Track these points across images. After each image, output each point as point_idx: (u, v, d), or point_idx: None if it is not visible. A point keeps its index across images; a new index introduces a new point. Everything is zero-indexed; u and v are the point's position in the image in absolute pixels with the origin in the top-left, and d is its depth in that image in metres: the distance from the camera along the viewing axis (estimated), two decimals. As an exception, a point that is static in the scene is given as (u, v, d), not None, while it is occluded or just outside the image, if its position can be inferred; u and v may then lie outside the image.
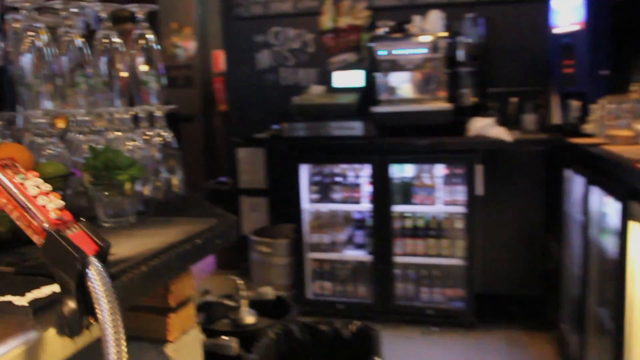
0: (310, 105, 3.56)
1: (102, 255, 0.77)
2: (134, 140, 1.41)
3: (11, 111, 1.35)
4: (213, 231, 1.17)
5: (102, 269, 0.74)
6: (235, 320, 1.96)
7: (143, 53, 1.49)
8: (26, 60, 1.25)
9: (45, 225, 0.74)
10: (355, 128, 3.42)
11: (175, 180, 1.53)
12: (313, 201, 3.67)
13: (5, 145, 1.11)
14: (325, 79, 3.87)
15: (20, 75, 1.27)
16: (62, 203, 0.76)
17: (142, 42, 1.50)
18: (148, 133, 1.54)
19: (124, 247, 1.00)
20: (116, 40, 1.45)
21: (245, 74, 4.33)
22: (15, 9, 1.31)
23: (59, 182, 1.16)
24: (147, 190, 1.40)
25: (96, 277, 0.73)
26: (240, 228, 4.37)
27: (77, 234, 0.75)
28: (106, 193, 1.18)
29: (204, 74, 7.82)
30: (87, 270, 0.73)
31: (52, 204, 0.75)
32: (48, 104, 1.30)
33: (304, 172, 3.63)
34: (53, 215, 0.74)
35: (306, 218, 3.66)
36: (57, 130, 1.57)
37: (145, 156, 1.41)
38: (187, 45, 8.02)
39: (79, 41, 1.40)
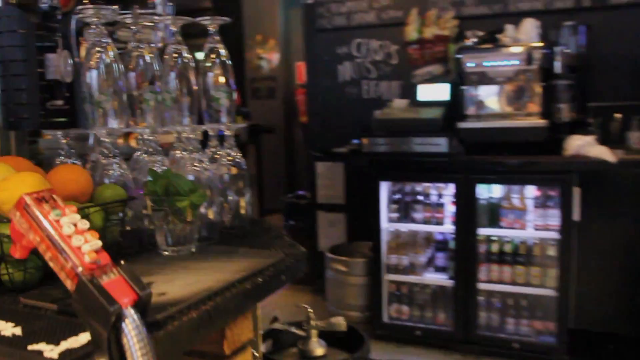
0: (392, 120, 3.41)
1: (142, 305, 0.66)
2: (201, 160, 1.33)
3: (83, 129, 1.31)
4: (278, 267, 1.05)
5: (139, 323, 0.64)
6: (304, 351, 1.84)
7: (215, 68, 1.42)
8: (93, 76, 1.19)
9: (79, 269, 0.65)
10: (440, 144, 3.23)
11: (243, 203, 1.43)
12: (392, 220, 3.50)
13: (62, 167, 1.05)
14: (408, 93, 3.70)
15: (87, 92, 1.22)
16: (99, 244, 0.67)
17: (213, 56, 1.42)
18: (218, 152, 1.46)
19: (178, 285, 0.90)
20: (186, 55, 1.38)
21: (327, 86, 4.24)
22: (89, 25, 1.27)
23: (117, 207, 1.09)
24: (212, 214, 1.31)
25: (131, 332, 0.63)
26: (317, 243, 4.27)
27: (113, 280, 0.65)
28: (166, 220, 1.09)
29: (287, 85, 7.86)
30: (122, 324, 0.64)
31: (88, 245, 0.66)
32: (113, 122, 1.24)
33: (384, 189, 3.48)
34: (88, 258, 0.65)
35: (385, 237, 3.50)
36: (126, 148, 1.53)
37: (212, 178, 1.33)
38: (271, 57, 8.11)
39: (148, 57, 1.34)
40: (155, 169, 1.27)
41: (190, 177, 1.27)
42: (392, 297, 3.52)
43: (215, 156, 1.44)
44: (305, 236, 4.41)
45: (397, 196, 3.52)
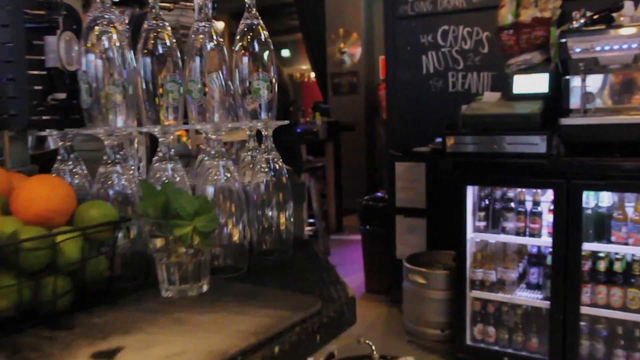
0: (481, 116, 2.99)
1: None
2: (228, 168, 1.05)
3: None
4: (311, 324, 0.75)
5: None
6: (365, 394, 1.53)
7: (251, 53, 1.13)
8: (89, 62, 0.94)
9: None
10: (537, 144, 2.78)
11: (284, 219, 1.14)
12: (479, 229, 3.09)
13: (32, 180, 0.80)
14: (500, 85, 3.27)
15: (87, 82, 0.97)
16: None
17: (250, 36, 1.13)
18: (252, 156, 1.18)
19: (159, 356, 0.63)
20: (217, 36, 1.10)
21: (408, 79, 3.87)
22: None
23: (105, 232, 0.83)
24: (238, 235, 1.03)
25: None
26: (394, 250, 3.93)
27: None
28: (167, 250, 0.82)
29: (369, 80, 7.53)
30: None
31: None
32: (119, 119, 0.99)
33: (471, 194, 3.07)
34: None
35: (470, 248, 3.09)
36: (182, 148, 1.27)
37: (238, 191, 1.04)
38: (353, 51, 7.80)
39: (167, 40, 1.07)
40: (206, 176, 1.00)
41: (210, 190, 0.99)
42: (477, 316, 3.11)
43: (249, 162, 1.16)
44: (382, 242, 4.09)
45: (486, 202, 3.10)
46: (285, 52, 10.53)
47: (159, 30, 1.08)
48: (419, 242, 3.82)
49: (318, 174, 5.27)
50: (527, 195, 2.99)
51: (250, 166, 1.18)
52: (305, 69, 10.21)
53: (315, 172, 5.19)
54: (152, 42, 1.07)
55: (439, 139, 3.24)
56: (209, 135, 1.06)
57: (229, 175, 1.04)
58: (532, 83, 3.00)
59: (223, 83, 1.11)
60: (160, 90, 1.09)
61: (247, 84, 1.14)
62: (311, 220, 5.55)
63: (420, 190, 3.80)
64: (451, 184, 3.10)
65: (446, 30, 3.70)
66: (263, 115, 1.16)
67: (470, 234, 3.08)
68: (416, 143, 3.63)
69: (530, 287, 3.04)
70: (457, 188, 3.05)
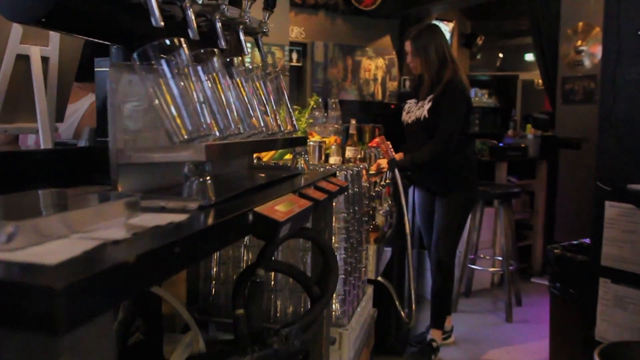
0: None
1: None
2: None
3: None
4: None
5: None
6: None
7: None
8: None
9: None
10: None
11: None
12: None
13: None
14: None
15: None
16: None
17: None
18: None
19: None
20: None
21: (637, 80, 2.60)
22: None
23: None
24: None
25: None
26: (592, 329, 2.70)
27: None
28: None
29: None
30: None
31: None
32: None
33: None
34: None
35: None
36: None
37: None
38: (594, 50, 6.25)
39: None
40: None
41: None
42: None
43: None
44: (578, 311, 2.87)
45: None
46: (529, 57, 9.13)
47: None
48: (632, 324, 2.55)
49: (511, 201, 4.12)
50: None
51: None
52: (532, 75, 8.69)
53: (507, 198, 4.07)
54: None
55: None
56: None
57: None
58: None
59: None
60: None
61: None
62: (499, 259, 4.43)
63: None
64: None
65: None
66: None
67: None
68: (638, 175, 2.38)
69: None
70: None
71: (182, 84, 0.98)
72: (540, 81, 7.70)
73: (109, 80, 0.95)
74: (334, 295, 1.81)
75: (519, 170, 5.04)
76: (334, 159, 2.97)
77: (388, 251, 3.03)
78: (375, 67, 7.97)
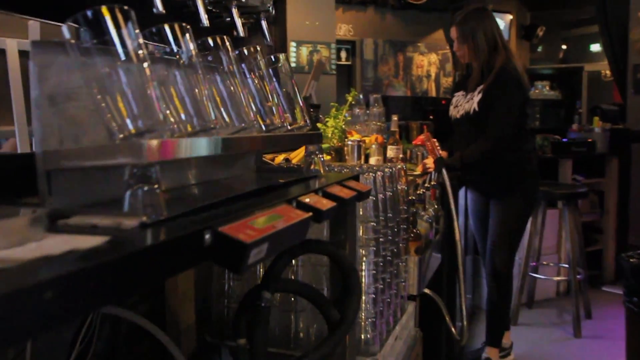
0: None
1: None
2: None
3: None
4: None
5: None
6: None
7: None
8: None
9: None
10: None
11: None
12: None
13: None
14: None
15: None
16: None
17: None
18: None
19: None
20: None
21: None
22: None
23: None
24: None
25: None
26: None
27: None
28: None
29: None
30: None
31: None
32: None
33: None
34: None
35: None
36: None
37: None
38: (670, 35, 5.69)
39: None
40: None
41: None
42: None
43: None
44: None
45: None
46: (595, 47, 8.51)
47: None
48: None
49: (577, 202, 3.73)
50: None
51: None
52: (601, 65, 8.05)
53: (573, 198, 3.68)
54: None
55: None
56: None
57: None
58: None
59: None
60: None
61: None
62: (564, 266, 4.03)
63: None
64: None
65: None
66: None
67: None
68: None
69: None
70: None
71: (127, 65, 0.76)
72: (608, 72, 7.06)
73: (31, 63, 0.74)
74: (362, 317, 1.56)
75: (585, 167, 4.60)
76: (374, 159, 2.72)
77: (437, 258, 2.74)
78: (428, 63, 7.62)
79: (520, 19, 7.68)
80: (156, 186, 0.72)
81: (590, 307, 3.90)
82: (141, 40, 0.79)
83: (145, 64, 0.77)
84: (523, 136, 2.88)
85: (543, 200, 3.78)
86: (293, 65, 5.12)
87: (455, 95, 2.98)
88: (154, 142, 0.70)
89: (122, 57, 0.76)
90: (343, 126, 2.84)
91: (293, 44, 5.08)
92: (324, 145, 2.59)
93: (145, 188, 0.72)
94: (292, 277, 1.55)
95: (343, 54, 7.25)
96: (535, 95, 6.45)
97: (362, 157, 2.73)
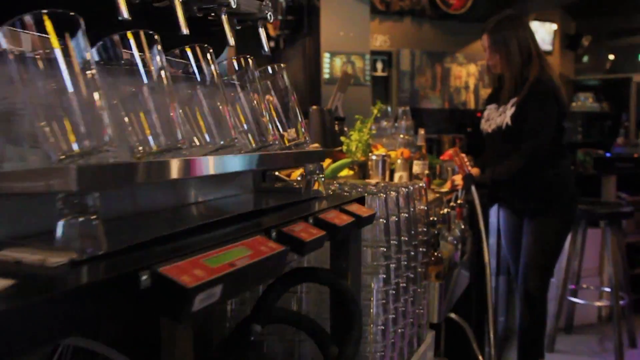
0: None
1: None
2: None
3: None
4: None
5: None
6: None
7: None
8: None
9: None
10: None
11: None
12: None
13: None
14: None
15: None
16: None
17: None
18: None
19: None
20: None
21: None
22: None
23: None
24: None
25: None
26: None
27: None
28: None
29: None
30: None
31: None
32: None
33: None
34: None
35: None
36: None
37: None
38: None
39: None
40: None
41: None
42: None
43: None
44: None
45: None
46: None
47: None
48: None
49: (620, 222, 3.50)
50: None
51: None
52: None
53: (616, 218, 3.46)
54: None
55: None
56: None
57: None
58: None
59: None
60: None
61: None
62: (607, 290, 3.78)
63: None
64: None
65: None
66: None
67: None
68: None
69: None
70: None
71: (77, 77, 0.68)
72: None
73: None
74: (369, 351, 1.43)
75: (632, 184, 4.33)
76: (399, 175, 2.59)
77: (465, 276, 2.58)
78: (467, 74, 7.41)
79: (565, 28, 7.40)
80: (94, 217, 0.63)
81: (634, 334, 3.65)
82: (91, 53, 0.70)
83: (95, 76, 0.69)
84: (560, 152, 2.71)
85: (584, 220, 3.56)
86: (326, 76, 5.04)
87: (487, 109, 2.82)
88: (86, 167, 0.60)
89: (75, 69, 0.68)
90: (368, 140, 2.72)
91: (327, 54, 4.99)
92: (345, 160, 2.48)
93: (81, 219, 0.62)
94: (295, 306, 1.44)
95: (379, 65, 7.12)
96: (577, 107, 6.16)
97: (387, 173, 2.61)
